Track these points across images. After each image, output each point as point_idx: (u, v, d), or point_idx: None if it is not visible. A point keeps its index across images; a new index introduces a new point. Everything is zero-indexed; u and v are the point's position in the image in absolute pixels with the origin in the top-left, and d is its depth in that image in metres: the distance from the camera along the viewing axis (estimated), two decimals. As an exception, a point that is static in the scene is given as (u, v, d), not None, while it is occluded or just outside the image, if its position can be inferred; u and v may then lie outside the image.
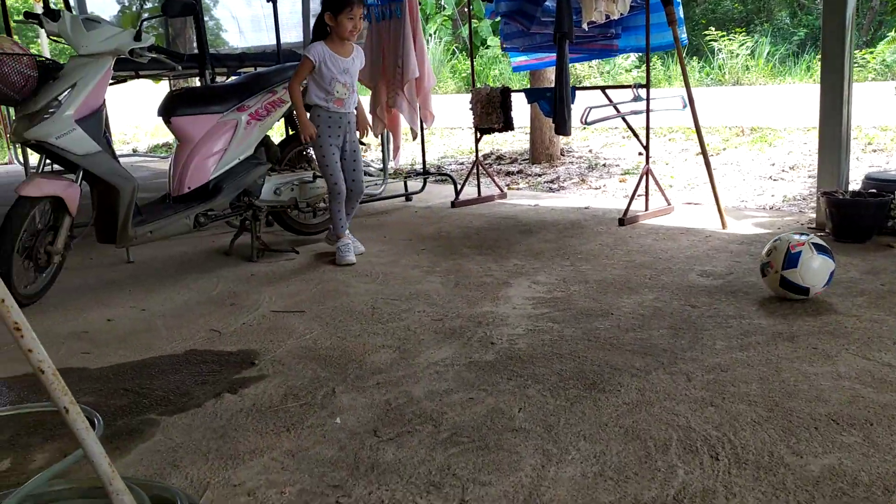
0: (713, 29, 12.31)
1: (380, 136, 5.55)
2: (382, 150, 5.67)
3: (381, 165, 5.79)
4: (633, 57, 11.73)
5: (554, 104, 4.29)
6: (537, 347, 2.55)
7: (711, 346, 2.46)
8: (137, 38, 3.29)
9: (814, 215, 4.04)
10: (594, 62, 12.45)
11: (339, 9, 3.59)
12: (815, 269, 2.76)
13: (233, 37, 6.91)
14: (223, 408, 2.21)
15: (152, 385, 2.41)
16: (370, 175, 6.90)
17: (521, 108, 5.78)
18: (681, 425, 1.94)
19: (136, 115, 13.13)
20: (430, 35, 14.94)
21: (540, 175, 6.53)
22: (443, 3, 15.93)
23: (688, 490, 1.65)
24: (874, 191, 3.69)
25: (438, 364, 2.46)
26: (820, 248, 2.79)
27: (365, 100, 5.23)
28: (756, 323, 2.64)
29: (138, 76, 5.56)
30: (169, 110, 3.61)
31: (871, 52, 10.10)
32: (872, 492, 1.59)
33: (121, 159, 3.51)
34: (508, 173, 6.75)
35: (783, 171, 5.64)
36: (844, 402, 2.00)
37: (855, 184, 4.01)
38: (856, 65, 10.04)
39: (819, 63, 3.87)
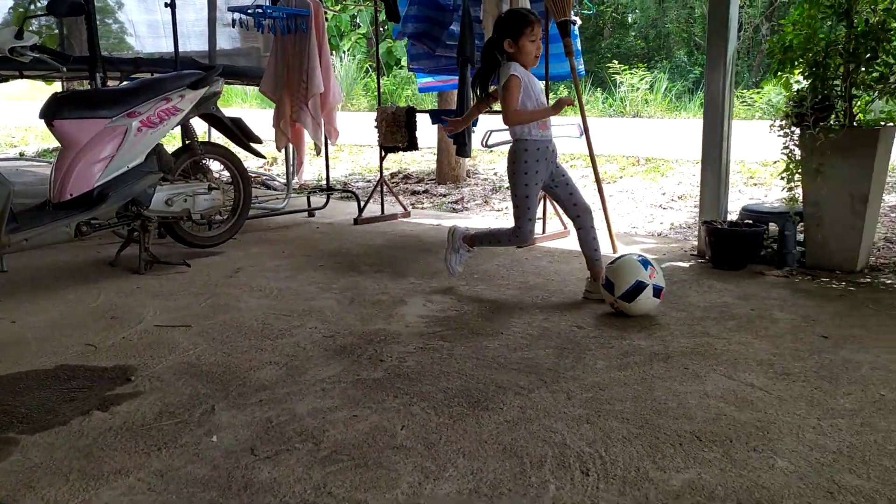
0: (617, 63, 12.82)
1: (283, 151, 5.49)
2: (286, 165, 5.60)
3: (285, 180, 5.72)
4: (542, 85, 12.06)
5: (455, 126, 4.35)
6: (426, 365, 2.56)
7: (593, 365, 2.53)
8: (19, 36, 3.14)
9: (696, 243, 4.24)
10: (503, 88, 12.73)
11: (520, 32, 3.15)
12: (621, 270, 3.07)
13: (139, 41, 6.68)
14: (91, 426, 2.11)
15: (15, 402, 2.28)
16: (273, 189, 6.81)
17: (430, 129, 5.84)
18: (557, 442, 1.98)
19: (27, 117, 12.47)
20: (344, 52, 14.92)
21: (445, 195, 6.59)
22: (358, 20, 15.96)
23: (557, 505, 1.69)
24: (750, 221, 3.91)
25: (325, 381, 2.43)
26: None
27: (268, 113, 5.18)
28: (636, 344, 2.74)
29: (22, 76, 5.29)
30: (51, 112, 3.44)
31: (759, 93, 10.76)
32: (727, 505, 1.67)
33: (6, 163, 3.33)
34: (414, 192, 6.79)
35: (672, 200, 5.90)
36: (708, 419, 2.10)
37: (734, 214, 4.24)
38: (744, 104, 10.67)
39: (705, 100, 4.08)
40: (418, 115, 5.09)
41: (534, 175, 3.26)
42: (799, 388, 2.30)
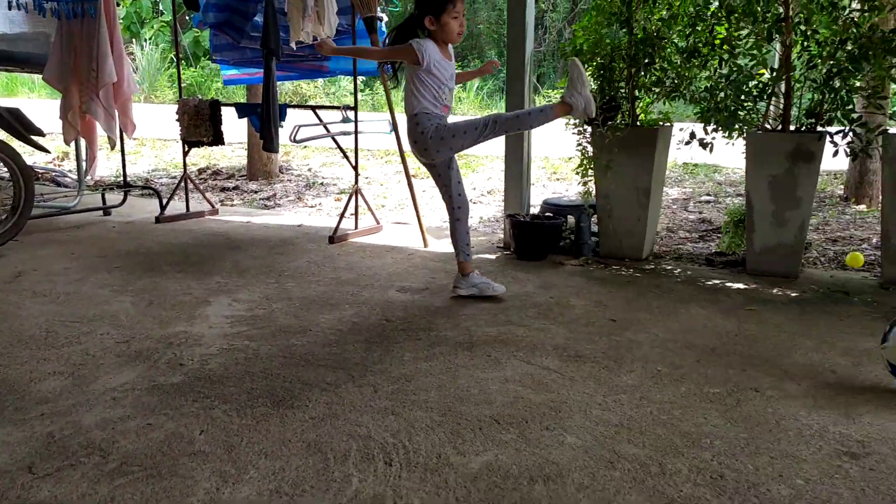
0: (429, 61, 13.08)
1: (73, 145, 5.05)
2: (77, 160, 5.16)
3: (77, 176, 5.27)
4: (363, 79, 12.06)
5: (262, 120, 4.23)
6: (230, 367, 2.47)
7: (400, 357, 2.57)
8: None
9: (502, 235, 4.43)
10: (320, 82, 12.57)
11: (442, 9, 3.01)
12: None
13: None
14: None
15: None
16: (64, 186, 6.26)
17: (239, 123, 5.60)
18: (362, 435, 1.99)
19: None
20: (146, 40, 14.03)
21: (256, 192, 6.39)
22: (161, 7, 15.07)
23: (359, 497, 1.69)
24: (550, 214, 4.14)
25: (117, 390, 2.27)
26: None
27: (55, 103, 4.74)
28: (442, 335, 2.81)
29: None
30: None
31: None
32: (520, 482, 1.76)
33: None
34: (224, 189, 6.53)
35: (482, 195, 6.13)
36: (507, 403, 2.20)
37: (537, 208, 4.47)
38: (548, 102, 11.30)
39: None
40: (224, 108, 4.89)
41: (445, 127, 3.11)
42: (589, 369, 2.47)
